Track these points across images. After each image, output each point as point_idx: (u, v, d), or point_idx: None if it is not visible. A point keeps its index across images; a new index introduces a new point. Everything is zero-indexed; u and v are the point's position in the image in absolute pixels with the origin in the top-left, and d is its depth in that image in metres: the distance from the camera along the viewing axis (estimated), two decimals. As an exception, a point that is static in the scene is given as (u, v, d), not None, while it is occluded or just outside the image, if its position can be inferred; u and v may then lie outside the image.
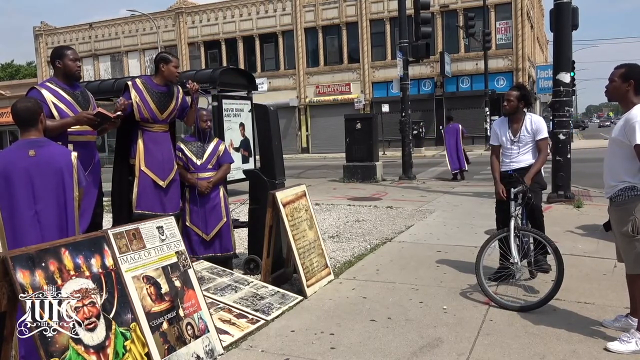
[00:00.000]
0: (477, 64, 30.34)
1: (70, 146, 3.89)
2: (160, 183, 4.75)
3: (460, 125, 15.12)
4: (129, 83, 4.70)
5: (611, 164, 3.58)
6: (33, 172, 3.20)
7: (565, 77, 9.52)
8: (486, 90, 27.65)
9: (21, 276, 2.53)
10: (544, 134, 4.89)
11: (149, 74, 33.53)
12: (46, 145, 3.31)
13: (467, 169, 14.67)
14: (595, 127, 79.00)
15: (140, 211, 4.67)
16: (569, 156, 9.62)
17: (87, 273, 2.85)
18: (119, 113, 4.24)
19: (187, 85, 4.79)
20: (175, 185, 4.93)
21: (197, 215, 5.16)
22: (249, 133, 11.43)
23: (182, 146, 5.22)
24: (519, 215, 4.60)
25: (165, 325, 3.22)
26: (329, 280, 5.12)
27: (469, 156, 15.52)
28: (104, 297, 2.90)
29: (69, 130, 3.95)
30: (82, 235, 3.26)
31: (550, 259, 4.50)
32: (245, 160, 11.36)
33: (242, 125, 11.26)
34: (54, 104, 3.92)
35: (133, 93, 4.63)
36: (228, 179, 6.06)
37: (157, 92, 4.71)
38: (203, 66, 34.56)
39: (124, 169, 4.86)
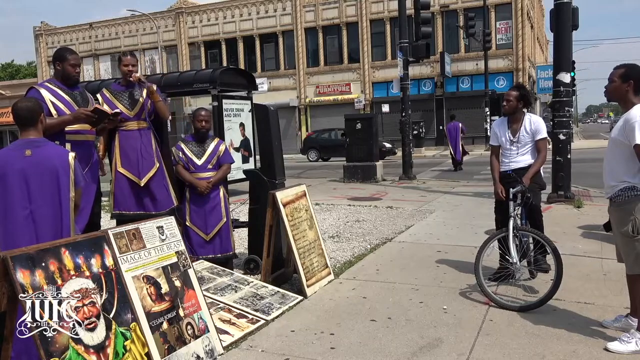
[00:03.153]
0: (477, 64, 30.35)
1: (68, 145, 3.92)
2: (137, 181, 4.73)
3: (460, 124, 17.16)
4: (98, 96, 4.83)
5: (611, 164, 3.58)
6: (28, 172, 3.19)
7: (565, 77, 9.51)
8: (486, 90, 27.64)
9: (21, 276, 2.53)
10: (543, 134, 4.89)
11: (149, 73, 33.67)
12: (43, 145, 3.30)
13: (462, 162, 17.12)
14: (605, 128, 66.40)
15: (117, 211, 4.76)
16: (569, 156, 9.61)
17: (87, 273, 2.86)
18: (117, 110, 4.27)
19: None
20: (158, 183, 4.85)
21: (197, 215, 5.17)
22: (249, 133, 11.41)
23: (183, 146, 5.22)
24: (518, 215, 4.60)
25: (165, 325, 3.22)
26: (329, 280, 5.12)
27: (465, 157, 17.98)
28: (104, 297, 2.90)
29: (66, 129, 3.97)
30: (82, 235, 3.26)
31: (550, 258, 4.50)
32: (245, 160, 11.35)
33: (242, 125, 11.25)
34: (52, 103, 3.96)
35: (100, 100, 4.79)
36: (228, 179, 6.05)
37: (120, 92, 4.84)
38: (203, 66, 34.58)
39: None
